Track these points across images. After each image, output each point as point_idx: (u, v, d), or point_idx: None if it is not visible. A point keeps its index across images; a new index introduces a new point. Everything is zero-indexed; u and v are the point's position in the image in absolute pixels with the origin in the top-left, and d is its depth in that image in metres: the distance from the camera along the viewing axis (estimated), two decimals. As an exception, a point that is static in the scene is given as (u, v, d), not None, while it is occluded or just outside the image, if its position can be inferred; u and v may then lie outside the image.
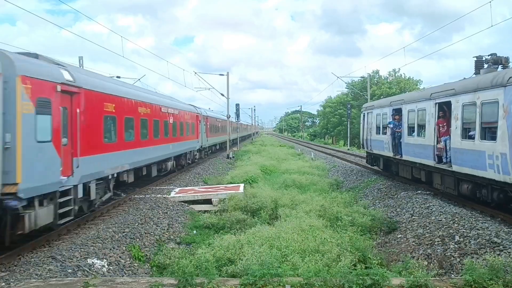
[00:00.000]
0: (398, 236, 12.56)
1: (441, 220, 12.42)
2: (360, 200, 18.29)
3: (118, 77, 32.45)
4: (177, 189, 19.95)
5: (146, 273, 10.42)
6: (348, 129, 62.25)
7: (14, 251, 9.88)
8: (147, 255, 11.38)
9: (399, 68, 71.80)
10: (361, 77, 63.82)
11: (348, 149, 56.96)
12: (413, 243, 11.46)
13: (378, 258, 9.98)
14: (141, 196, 18.07)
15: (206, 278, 7.39)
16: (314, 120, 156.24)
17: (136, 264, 10.63)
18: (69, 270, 9.05)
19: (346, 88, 71.06)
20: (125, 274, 9.98)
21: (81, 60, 29.76)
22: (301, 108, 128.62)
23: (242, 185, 20.82)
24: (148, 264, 10.98)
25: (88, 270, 9.28)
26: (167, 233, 13.58)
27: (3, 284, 8.21)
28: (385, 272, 7.59)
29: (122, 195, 17.80)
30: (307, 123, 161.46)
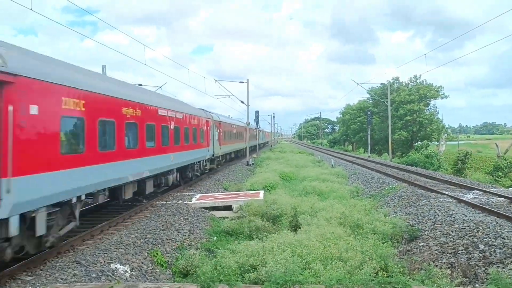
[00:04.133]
0: (420, 244, 12.41)
1: (464, 228, 12.23)
2: (381, 208, 18.12)
3: (140, 84, 32.92)
4: (197, 196, 20.10)
5: (168, 279, 10.52)
6: (369, 136, 61.77)
7: (39, 256, 10.10)
8: (168, 261, 11.50)
9: (420, 75, 71.03)
10: (381, 83, 63.35)
11: (369, 156, 56.55)
12: (436, 252, 11.31)
13: (400, 266, 9.91)
14: (162, 202, 18.26)
15: (228, 284, 7.44)
16: (334, 127, 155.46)
17: (158, 270, 10.74)
18: (93, 275, 9.21)
19: (368, 93, 70.46)
20: (147, 279, 10.11)
21: (104, 69, 30.31)
22: (320, 115, 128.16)
23: (262, 191, 20.86)
24: (170, 270, 11.09)
25: (111, 275, 9.42)
26: (188, 239, 13.69)
27: None
28: (408, 280, 7.53)
29: (144, 201, 18.00)
30: (326, 130, 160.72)
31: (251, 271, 9.22)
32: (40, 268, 9.56)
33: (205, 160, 27.66)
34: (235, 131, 41.42)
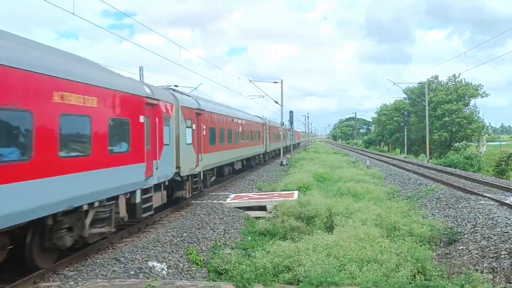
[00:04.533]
0: (460, 248, 12.09)
1: (507, 232, 11.83)
2: (418, 210, 17.75)
3: (176, 85, 33.41)
4: (232, 195, 20.26)
5: (203, 277, 10.66)
6: (405, 136, 60.61)
7: (81, 252, 10.45)
8: (204, 260, 11.65)
9: (459, 74, 69.14)
10: (419, 83, 62.03)
11: (405, 157, 55.49)
12: (477, 256, 10.99)
13: (439, 270, 9.69)
14: (198, 202, 18.52)
15: (263, 284, 7.49)
16: (369, 127, 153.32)
17: (194, 268, 10.91)
18: (132, 272, 9.45)
19: (404, 93, 69.13)
20: (184, 277, 10.27)
21: (141, 70, 30.96)
22: (355, 115, 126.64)
23: (296, 192, 20.82)
24: (205, 269, 11.24)
25: (149, 272, 9.63)
26: (223, 238, 13.83)
27: (72, 283, 8.70)
28: (447, 284, 7.38)
29: (181, 200, 18.29)
30: (361, 130, 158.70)
31: (286, 271, 9.23)
32: (81, 264, 9.89)
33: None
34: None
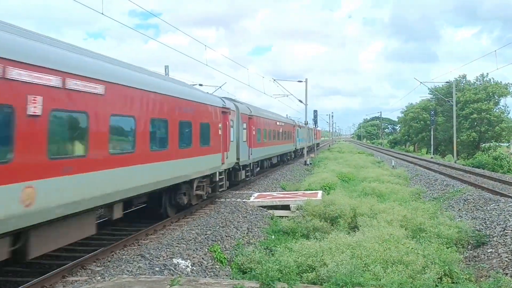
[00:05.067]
0: (489, 251, 11.81)
1: (538, 236, 11.50)
2: (445, 211, 17.42)
3: (200, 84, 33.80)
4: (256, 194, 20.29)
5: (227, 275, 10.72)
6: (432, 136, 59.54)
7: (108, 248, 10.64)
8: (227, 258, 11.71)
9: (487, 73, 67.50)
10: (446, 82, 60.82)
11: (432, 157, 54.55)
12: (506, 259, 10.71)
13: (466, 273, 9.49)
14: (222, 200, 18.62)
15: (287, 283, 7.47)
16: (394, 126, 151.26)
17: (217, 266, 10.98)
18: (157, 269, 9.56)
19: (430, 92, 67.90)
20: (207, 275, 10.35)
21: (167, 69, 31.31)
22: (380, 114, 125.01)
23: (320, 192, 20.70)
24: (229, 267, 11.29)
25: (173, 269, 9.74)
26: (246, 237, 13.87)
27: (99, 277, 8.87)
28: (475, 288, 7.21)
29: (205, 197, 18.42)
30: (386, 130, 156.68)
31: (309, 271, 9.19)
32: (108, 259, 10.08)
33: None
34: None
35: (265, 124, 28.84)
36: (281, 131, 36.60)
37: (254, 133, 24.71)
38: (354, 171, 33.23)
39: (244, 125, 22.81)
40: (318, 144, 74.35)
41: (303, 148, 46.21)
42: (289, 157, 43.92)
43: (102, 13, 12.53)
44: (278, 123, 35.16)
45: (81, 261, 9.60)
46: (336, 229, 13.91)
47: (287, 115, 51.85)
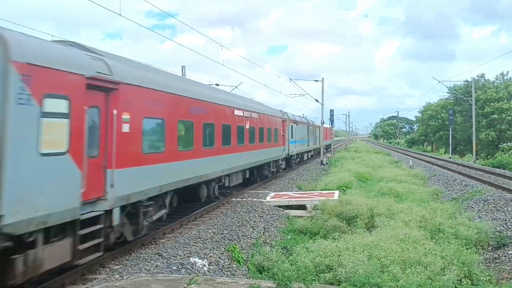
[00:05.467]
0: (510, 253, 11.60)
1: (561, 237, 11.25)
2: (464, 212, 17.17)
3: (217, 84, 33.92)
4: (272, 194, 20.28)
5: (243, 275, 10.73)
6: (450, 135, 58.74)
7: (125, 247, 10.74)
8: (244, 257, 11.72)
9: (507, 71, 66.28)
10: (465, 81, 59.90)
11: (450, 157, 53.82)
12: (527, 261, 10.52)
13: (487, 274, 9.34)
14: (238, 200, 18.66)
15: (303, 283, 7.45)
16: (412, 126, 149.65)
17: (234, 265, 10.99)
18: (174, 267, 9.63)
19: (448, 91, 66.97)
20: (224, 274, 10.38)
21: (183, 69, 31.46)
22: (398, 114, 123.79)
23: (337, 191, 20.59)
24: (246, 266, 11.30)
25: (190, 268, 9.79)
26: (263, 236, 13.87)
27: (117, 276, 8.97)
28: (496, 290, 7.09)
29: (221, 197, 18.48)
30: (403, 129, 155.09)
31: (327, 271, 9.15)
32: (126, 258, 10.18)
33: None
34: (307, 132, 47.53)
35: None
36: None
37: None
38: (371, 171, 32.98)
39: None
40: (329, 146, 59.48)
41: (303, 153, 38.60)
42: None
43: (120, 14, 12.66)
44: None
45: (100, 259, 9.70)
46: (353, 229, 13.83)
47: (303, 114, 51.62)
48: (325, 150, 48.44)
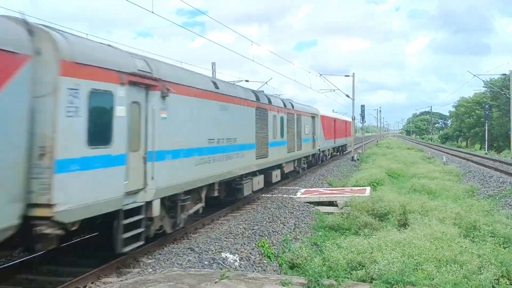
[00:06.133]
0: (550, 252, 11.17)
1: None
2: (502, 209, 16.64)
3: (246, 81, 33.97)
4: (302, 190, 20.20)
5: (274, 271, 10.74)
6: (486, 131, 57.04)
7: (158, 241, 10.92)
8: (274, 253, 11.73)
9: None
10: (502, 74, 57.97)
11: (486, 153, 52.27)
12: None
13: (526, 274, 9.03)
14: (268, 195, 18.68)
15: (335, 280, 7.39)
16: (446, 121, 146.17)
17: (265, 261, 11.01)
18: (206, 262, 9.72)
19: (484, 86, 65.03)
20: (255, 270, 10.40)
21: (213, 66, 31.68)
22: (431, 109, 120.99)
23: (368, 188, 20.32)
24: (276, 262, 11.30)
25: (222, 263, 9.87)
26: (293, 233, 13.83)
27: (150, 270, 9.13)
28: (536, 290, 6.85)
29: (252, 194, 18.54)
30: (437, 125, 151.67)
31: (359, 268, 9.05)
32: (159, 252, 10.35)
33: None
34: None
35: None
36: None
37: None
38: (404, 167, 32.37)
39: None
40: (342, 148, 45.73)
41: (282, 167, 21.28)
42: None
43: (152, 12, 12.84)
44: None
45: (134, 253, 9.89)
46: (385, 227, 13.63)
47: (333, 110, 51.18)
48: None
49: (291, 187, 21.50)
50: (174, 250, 10.48)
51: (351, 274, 8.87)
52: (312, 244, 13.12)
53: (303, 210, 16.70)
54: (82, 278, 8.34)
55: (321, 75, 40.74)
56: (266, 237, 12.47)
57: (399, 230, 12.72)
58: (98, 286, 8.39)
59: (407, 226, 13.64)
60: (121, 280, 8.54)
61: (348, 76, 42.52)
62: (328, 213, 17.04)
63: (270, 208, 15.92)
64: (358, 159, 39.85)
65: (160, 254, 10.18)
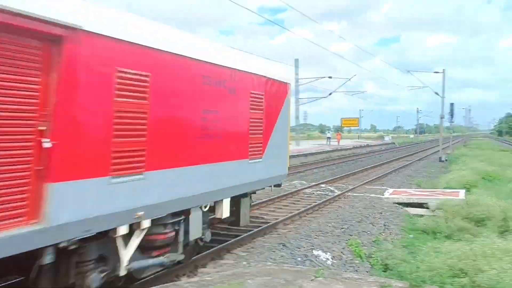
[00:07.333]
0: None
1: None
2: None
3: (329, 77, 33.67)
4: (390, 190, 19.55)
5: (367, 271, 10.46)
6: None
7: (249, 234, 11.08)
8: (366, 253, 11.44)
9: None
10: None
11: None
12: None
13: None
14: (354, 194, 18.31)
15: (438, 286, 7.04)
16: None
17: (356, 261, 10.77)
18: (298, 259, 9.71)
19: None
20: (347, 269, 10.21)
21: (296, 63, 31.67)
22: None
23: (462, 191, 19.18)
24: (368, 262, 11.02)
25: (314, 260, 9.80)
26: (383, 234, 13.41)
27: (244, 263, 9.28)
28: None
29: (336, 191, 18.31)
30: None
31: (461, 275, 8.55)
32: (251, 246, 10.50)
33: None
34: None
35: None
36: None
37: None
38: (499, 169, 30.20)
39: None
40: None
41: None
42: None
43: (243, 6, 13.01)
44: None
45: (227, 245, 10.14)
46: (484, 232, 12.77)
47: (417, 108, 48.94)
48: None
49: (378, 187, 20.92)
50: (266, 244, 10.57)
51: (453, 280, 8.41)
52: (403, 246, 12.64)
53: (392, 211, 16.17)
54: (181, 266, 8.67)
55: (408, 71, 39.20)
56: (355, 237, 12.21)
57: (503, 237, 11.87)
58: (196, 275, 8.68)
59: (507, 233, 12.71)
60: (218, 272, 8.79)
61: (438, 72, 40.43)
62: (418, 216, 16.34)
63: (358, 207, 15.59)
64: (446, 160, 37.92)
65: (252, 248, 10.31)
